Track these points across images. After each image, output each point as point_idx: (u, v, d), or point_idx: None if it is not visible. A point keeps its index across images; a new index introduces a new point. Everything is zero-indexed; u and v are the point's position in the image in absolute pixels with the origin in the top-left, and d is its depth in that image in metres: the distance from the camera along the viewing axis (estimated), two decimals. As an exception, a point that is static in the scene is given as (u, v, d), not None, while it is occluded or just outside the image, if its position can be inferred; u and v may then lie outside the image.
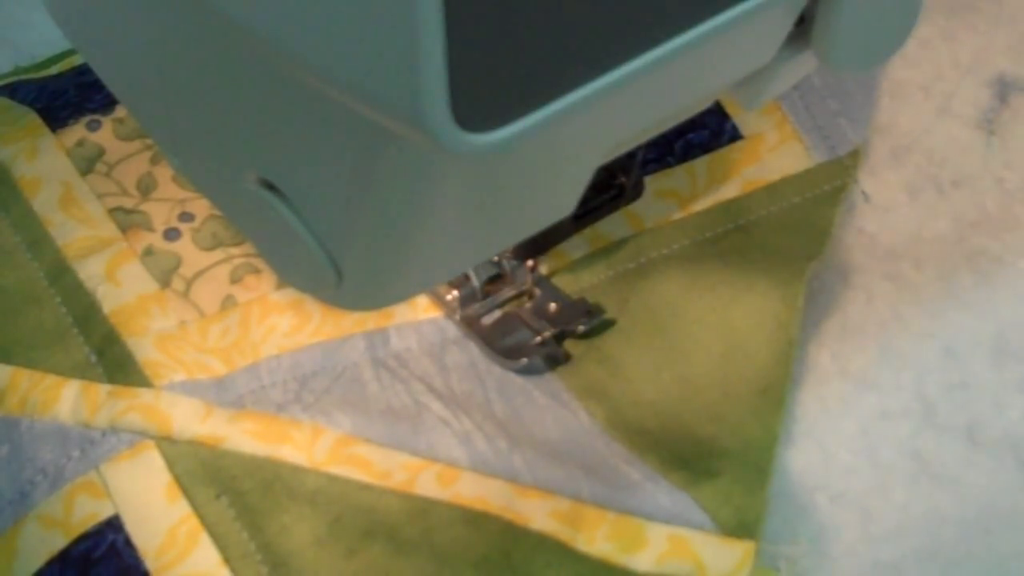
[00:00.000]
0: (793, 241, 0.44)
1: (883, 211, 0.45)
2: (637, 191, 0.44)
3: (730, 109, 0.47)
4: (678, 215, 0.44)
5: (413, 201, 0.28)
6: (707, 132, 0.46)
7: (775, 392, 0.39)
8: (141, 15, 0.31)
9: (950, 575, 0.37)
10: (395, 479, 0.37)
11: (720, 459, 0.38)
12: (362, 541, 0.36)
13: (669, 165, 0.45)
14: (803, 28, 0.31)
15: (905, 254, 0.44)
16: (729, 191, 0.45)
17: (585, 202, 0.38)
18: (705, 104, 0.37)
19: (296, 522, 0.36)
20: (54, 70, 0.49)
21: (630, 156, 0.42)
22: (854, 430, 0.40)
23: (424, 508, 0.36)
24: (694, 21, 0.26)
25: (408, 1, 0.21)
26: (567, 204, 0.34)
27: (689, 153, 0.46)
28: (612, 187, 0.43)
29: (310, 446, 0.37)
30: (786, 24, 0.31)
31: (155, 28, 0.30)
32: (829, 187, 0.45)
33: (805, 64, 0.33)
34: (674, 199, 0.45)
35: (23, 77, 0.49)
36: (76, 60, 0.49)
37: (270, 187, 0.30)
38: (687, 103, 0.33)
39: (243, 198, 0.32)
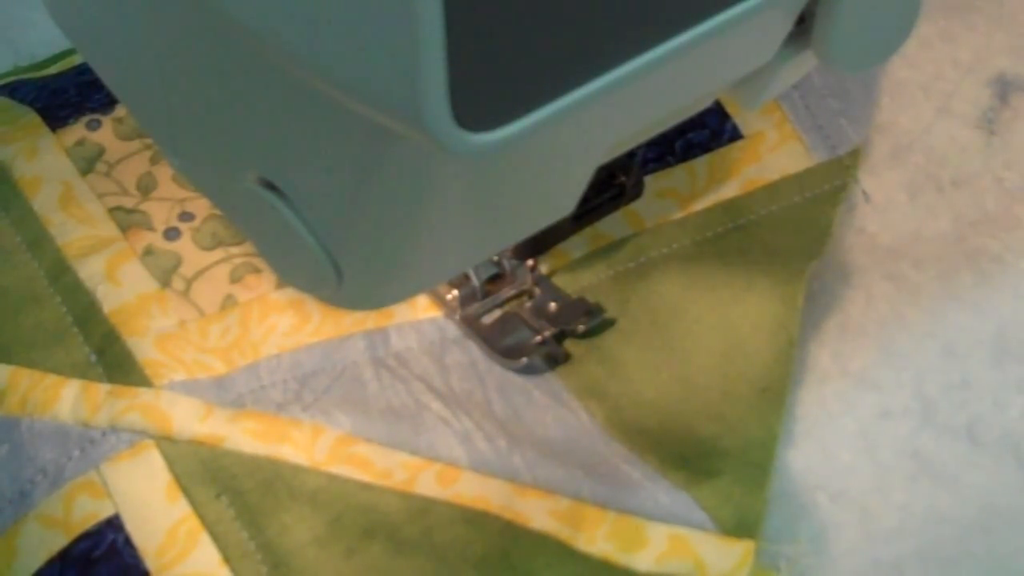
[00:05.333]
0: (793, 241, 0.44)
1: (883, 211, 0.45)
2: (637, 191, 0.44)
3: (730, 109, 0.47)
4: (678, 215, 0.44)
5: (413, 201, 0.28)
6: (707, 131, 0.46)
7: (775, 391, 0.39)
8: (142, 15, 0.31)
9: (950, 575, 0.37)
10: (395, 478, 0.37)
11: (720, 459, 0.38)
12: (362, 541, 0.36)
13: (669, 164, 0.45)
14: (803, 28, 0.31)
15: (905, 254, 0.44)
16: (729, 191, 0.45)
17: (585, 202, 0.38)
18: (705, 104, 0.37)
19: (296, 522, 0.36)
20: (54, 70, 0.49)
21: (630, 156, 0.42)
22: (854, 430, 0.40)
23: (424, 507, 0.36)
24: (694, 21, 0.26)
25: (408, 1, 0.21)
26: (567, 204, 0.34)
27: (689, 152, 0.46)
28: (612, 187, 0.43)
29: (310, 446, 0.37)
30: (786, 24, 0.31)
31: (155, 28, 0.30)
32: (829, 187, 0.45)
33: (805, 64, 0.33)
34: (674, 199, 0.45)
35: (23, 77, 0.49)
36: (76, 60, 0.49)
37: (270, 187, 0.30)
38: (687, 102, 0.33)
39: (243, 198, 0.32)
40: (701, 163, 0.45)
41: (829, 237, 0.44)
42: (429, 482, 0.37)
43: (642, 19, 0.25)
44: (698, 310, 0.41)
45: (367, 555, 0.35)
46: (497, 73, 0.23)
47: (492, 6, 0.22)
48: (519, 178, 0.31)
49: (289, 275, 0.34)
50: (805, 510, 0.38)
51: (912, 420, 0.40)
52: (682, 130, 0.45)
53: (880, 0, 0.30)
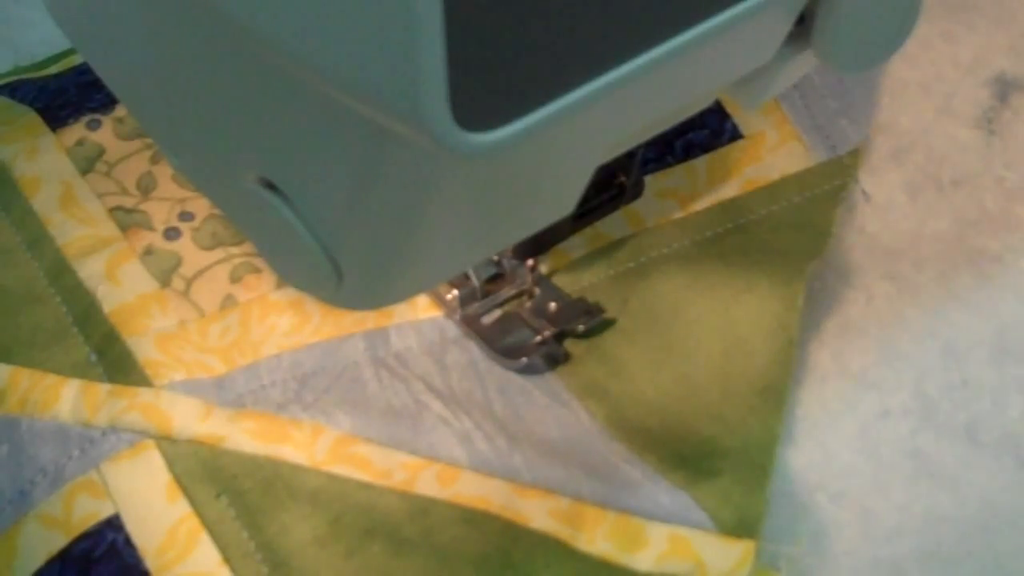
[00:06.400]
0: (793, 241, 0.44)
1: (883, 210, 0.46)
2: (637, 191, 0.44)
3: (730, 108, 0.47)
4: (678, 214, 0.44)
5: (413, 200, 0.28)
6: (707, 131, 0.46)
7: (775, 391, 0.39)
8: (142, 15, 0.31)
9: (950, 574, 0.37)
10: (395, 478, 0.37)
11: (720, 458, 0.38)
12: (362, 540, 0.36)
13: (669, 164, 0.45)
14: (803, 28, 0.31)
15: (905, 254, 0.44)
16: (729, 190, 0.45)
17: (585, 201, 0.38)
18: (705, 103, 0.37)
19: (296, 521, 0.36)
20: (54, 70, 0.49)
21: (630, 155, 0.42)
22: (854, 429, 0.40)
23: (424, 507, 0.36)
24: (694, 21, 0.26)
25: (408, 1, 0.21)
26: (567, 203, 0.34)
27: (689, 152, 0.46)
28: (612, 186, 0.43)
29: (310, 445, 0.37)
30: (786, 24, 0.31)
31: (155, 27, 0.30)
32: (829, 187, 0.45)
33: (805, 64, 0.33)
34: (674, 199, 0.45)
35: (23, 77, 0.49)
36: (76, 60, 0.49)
37: (270, 187, 0.30)
38: (687, 102, 0.33)
39: (243, 197, 0.32)
40: (701, 163, 0.45)
41: (829, 237, 0.44)
42: (429, 482, 0.37)
43: (642, 19, 0.25)
44: (698, 310, 0.41)
45: (367, 555, 0.35)
46: (497, 73, 0.23)
47: (492, 6, 0.22)
48: (519, 178, 0.30)
49: (289, 275, 0.34)
50: (805, 510, 0.38)
51: (912, 420, 0.40)
52: (682, 130, 0.45)
53: (880, 1, 0.30)
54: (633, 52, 0.25)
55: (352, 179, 0.28)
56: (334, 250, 0.30)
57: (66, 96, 0.46)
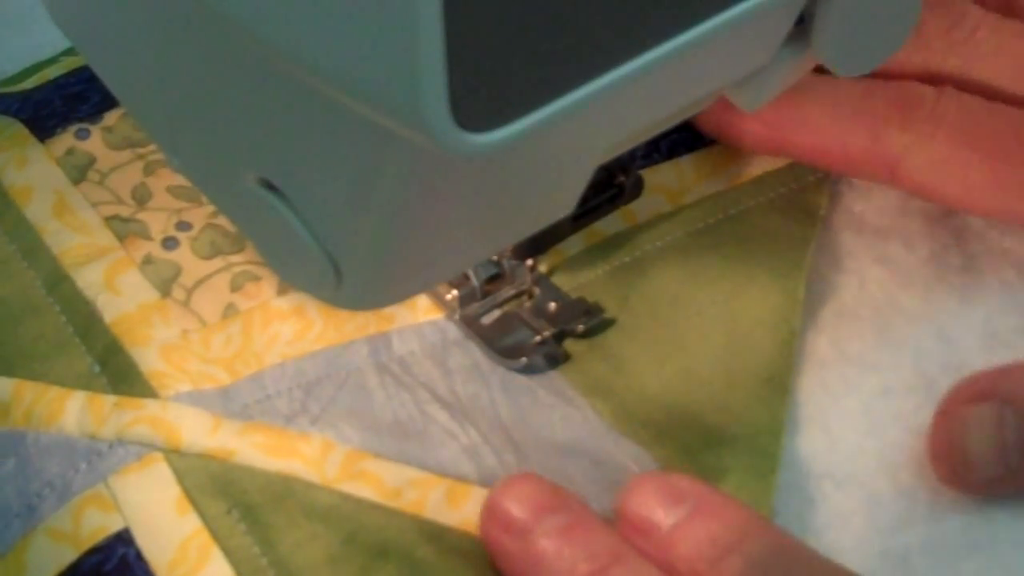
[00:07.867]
0: (785, 224, 0.44)
1: (867, 189, 0.46)
2: (636, 191, 0.44)
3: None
4: (669, 208, 0.44)
5: (413, 200, 0.28)
6: (691, 132, 0.46)
7: (779, 381, 0.39)
8: (142, 14, 0.31)
9: (958, 560, 0.37)
10: (405, 498, 0.36)
11: (728, 447, 0.38)
12: (375, 560, 0.35)
13: (656, 162, 0.45)
14: (803, 28, 0.31)
15: (892, 232, 0.44)
16: (716, 186, 0.45)
17: (584, 201, 0.38)
18: (706, 105, 0.37)
19: (309, 539, 0.35)
20: (29, 84, 0.48)
21: (629, 156, 0.42)
22: (857, 410, 0.40)
23: (437, 532, 0.35)
24: (694, 21, 0.26)
25: (408, 1, 0.21)
26: (567, 203, 0.34)
27: (674, 152, 0.46)
28: (611, 187, 0.43)
29: (321, 461, 0.36)
30: (785, 24, 0.31)
31: (156, 27, 0.30)
32: (814, 178, 0.46)
33: (805, 64, 0.33)
34: (663, 194, 0.45)
35: (2, 91, 0.48)
36: (51, 73, 0.48)
37: (270, 187, 0.30)
38: (687, 103, 0.34)
39: (243, 198, 0.31)
40: (687, 161, 0.46)
41: (820, 220, 0.44)
42: (439, 504, 0.36)
43: (641, 19, 0.25)
44: (699, 304, 0.41)
45: (381, 575, 0.35)
46: (497, 73, 0.23)
47: (491, 6, 0.22)
48: (519, 178, 0.31)
49: (289, 275, 0.34)
50: (812, 501, 0.38)
51: (915, 397, 0.40)
52: (667, 131, 0.45)
53: (879, 1, 0.31)
54: (633, 52, 0.25)
55: (352, 179, 0.28)
56: (334, 250, 0.31)
57: (51, 107, 0.46)
